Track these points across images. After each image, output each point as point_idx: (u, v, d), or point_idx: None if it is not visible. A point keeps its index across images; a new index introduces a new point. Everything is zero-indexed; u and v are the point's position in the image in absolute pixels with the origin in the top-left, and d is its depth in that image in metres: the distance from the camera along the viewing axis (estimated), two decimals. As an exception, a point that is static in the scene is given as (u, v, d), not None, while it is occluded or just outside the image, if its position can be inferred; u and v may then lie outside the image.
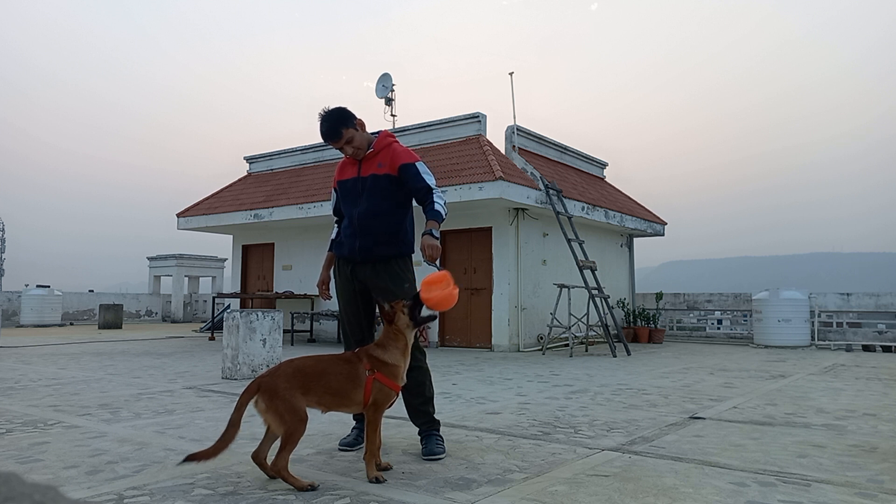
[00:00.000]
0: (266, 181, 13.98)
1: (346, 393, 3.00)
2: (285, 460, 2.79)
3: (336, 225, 3.80)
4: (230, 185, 14.67)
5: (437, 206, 3.49)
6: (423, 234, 3.41)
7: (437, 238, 3.41)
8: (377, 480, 2.90)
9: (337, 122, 3.51)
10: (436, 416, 3.58)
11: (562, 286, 10.17)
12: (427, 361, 3.59)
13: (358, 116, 3.58)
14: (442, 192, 3.64)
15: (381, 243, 3.57)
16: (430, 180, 3.57)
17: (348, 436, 3.67)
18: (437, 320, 11.30)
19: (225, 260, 23.48)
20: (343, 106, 3.58)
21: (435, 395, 3.67)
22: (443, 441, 3.49)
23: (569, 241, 10.57)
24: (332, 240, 3.78)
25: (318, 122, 3.56)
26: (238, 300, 14.16)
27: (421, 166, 3.59)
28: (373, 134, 3.68)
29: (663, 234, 14.93)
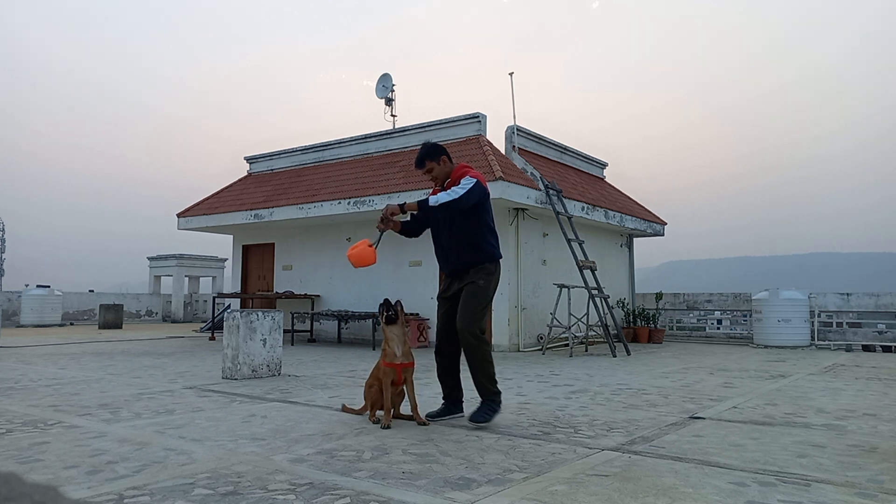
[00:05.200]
0: (266, 181, 13.99)
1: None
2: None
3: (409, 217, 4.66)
4: (230, 185, 14.67)
5: (437, 195, 4.26)
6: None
7: (398, 205, 4.26)
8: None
9: (424, 156, 4.47)
10: (494, 388, 4.32)
11: (562, 286, 10.17)
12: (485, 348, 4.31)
13: (445, 154, 4.49)
14: (458, 195, 4.24)
15: (463, 259, 4.37)
16: (463, 186, 4.26)
17: (437, 408, 4.58)
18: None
19: (225, 260, 23.48)
20: (438, 144, 4.55)
21: (489, 375, 4.32)
22: (492, 413, 4.23)
23: (569, 241, 10.57)
24: (407, 220, 4.62)
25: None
26: (238, 300, 14.16)
27: (467, 180, 4.31)
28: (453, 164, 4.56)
29: (663, 234, 14.94)
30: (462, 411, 4.54)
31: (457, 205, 4.20)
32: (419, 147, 4.72)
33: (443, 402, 4.55)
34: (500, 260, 4.49)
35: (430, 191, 4.65)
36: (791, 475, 3.05)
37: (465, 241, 4.35)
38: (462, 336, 4.28)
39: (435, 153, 4.46)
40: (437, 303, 4.63)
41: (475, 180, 4.31)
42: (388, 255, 11.67)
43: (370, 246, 4.37)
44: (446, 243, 4.42)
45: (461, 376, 4.57)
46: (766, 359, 9.37)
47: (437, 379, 4.58)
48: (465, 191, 4.22)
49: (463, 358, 4.43)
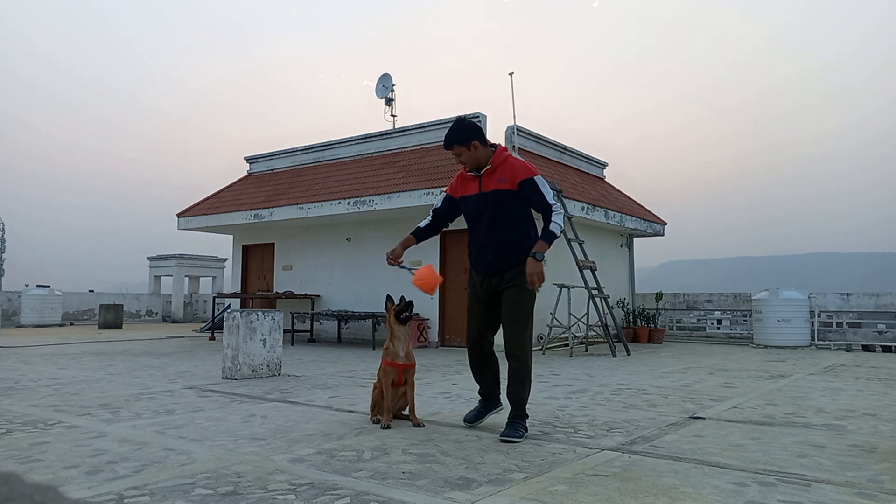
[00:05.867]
0: (266, 181, 13.99)
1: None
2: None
3: (430, 216, 4.25)
4: (230, 185, 14.68)
5: (552, 227, 3.81)
6: (529, 256, 3.77)
7: (541, 261, 3.76)
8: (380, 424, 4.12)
9: (453, 139, 3.92)
10: (525, 410, 3.91)
11: (562, 286, 10.17)
12: (527, 360, 3.92)
13: (478, 138, 3.89)
14: (559, 208, 3.90)
15: (509, 257, 3.89)
16: (549, 196, 3.87)
17: (471, 411, 4.21)
18: (438, 320, 11.31)
19: (225, 260, 23.48)
20: (471, 123, 3.94)
21: (525, 394, 3.92)
22: (524, 430, 3.81)
23: (569, 241, 10.57)
24: (420, 227, 4.24)
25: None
26: (238, 300, 14.16)
27: (539, 181, 3.89)
28: (490, 147, 3.97)
29: (663, 234, 14.94)
30: (500, 404, 4.20)
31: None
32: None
33: (479, 401, 4.21)
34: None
35: (456, 174, 4.22)
36: (791, 475, 3.05)
37: (508, 241, 3.91)
38: (513, 352, 3.88)
39: (466, 137, 3.88)
40: (468, 304, 4.19)
41: (540, 177, 3.91)
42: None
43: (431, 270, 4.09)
44: (483, 242, 3.94)
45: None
46: (766, 359, 9.37)
47: (474, 378, 4.24)
48: (554, 197, 3.89)
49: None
